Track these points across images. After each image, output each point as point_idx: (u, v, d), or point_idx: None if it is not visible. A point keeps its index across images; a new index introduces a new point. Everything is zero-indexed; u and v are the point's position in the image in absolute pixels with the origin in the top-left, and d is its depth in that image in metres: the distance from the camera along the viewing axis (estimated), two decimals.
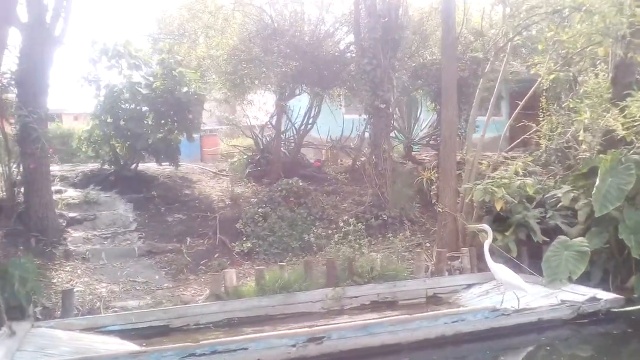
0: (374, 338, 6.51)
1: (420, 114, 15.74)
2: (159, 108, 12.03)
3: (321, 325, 7.20)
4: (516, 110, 11.57)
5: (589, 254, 8.69)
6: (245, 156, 13.99)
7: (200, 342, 6.13)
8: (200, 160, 17.07)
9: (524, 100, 11.28)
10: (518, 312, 7.22)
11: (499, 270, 7.57)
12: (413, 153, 15.62)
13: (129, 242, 10.47)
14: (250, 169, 13.64)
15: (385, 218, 11.38)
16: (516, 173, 9.94)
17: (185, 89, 11.99)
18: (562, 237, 9.09)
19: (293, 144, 13.90)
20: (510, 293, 7.47)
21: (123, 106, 12.01)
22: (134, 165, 12.60)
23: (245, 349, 6.03)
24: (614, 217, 9.11)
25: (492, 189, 9.32)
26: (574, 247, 8.81)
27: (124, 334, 7.39)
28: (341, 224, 9.82)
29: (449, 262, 9.60)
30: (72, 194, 11.68)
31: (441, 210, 9.98)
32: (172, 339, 7.44)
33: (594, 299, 7.69)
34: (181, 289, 8.92)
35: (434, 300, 9.01)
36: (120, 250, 10.09)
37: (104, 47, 12.17)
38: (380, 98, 11.54)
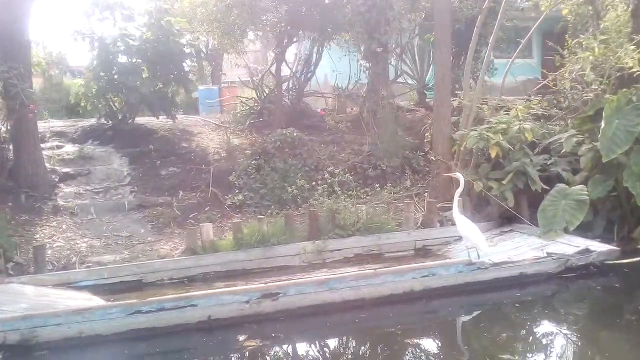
0: (334, 294, 6.24)
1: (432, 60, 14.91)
2: (151, 60, 11.73)
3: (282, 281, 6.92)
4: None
5: (587, 202, 8.10)
6: (247, 107, 13.60)
7: (147, 299, 5.97)
8: (220, 112, 16.84)
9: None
10: (497, 266, 6.79)
11: (461, 223, 7.14)
12: (427, 99, 14.91)
13: (120, 196, 10.39)
14: (252, 120, 13.29)
15: (384, 168, 10.92)
16: (516, 117, 9.24)
17: (175, 40, 11.62)
18: (560, 185, 8.49)
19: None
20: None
21: (116, 59, 11.74)
22: (131, 120, 12.42)
23: (195, 305, 5.85)
24: (621, 163, 8.44)
25: (486, 135, 8.71)
26: (573, 195, 8.23)
27: (96, 289, 7.34)
28: (326, 175, 9.41)
29: (441, 213, 9.15)
30: (69, 149, 11.64)
31: (434, 159, 9.45)
32: (144, 293, 7.32)
33: (584, 251, 7.17)
34: (162, 243, 8.80)
35: (423, 252, 8.64)
36: (110, 205, 10.03)
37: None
38: (377, 41, 10.90)
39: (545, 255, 7.06)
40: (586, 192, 8.16)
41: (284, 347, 5.91)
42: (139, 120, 12.93)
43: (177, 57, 11.85)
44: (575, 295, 6.89)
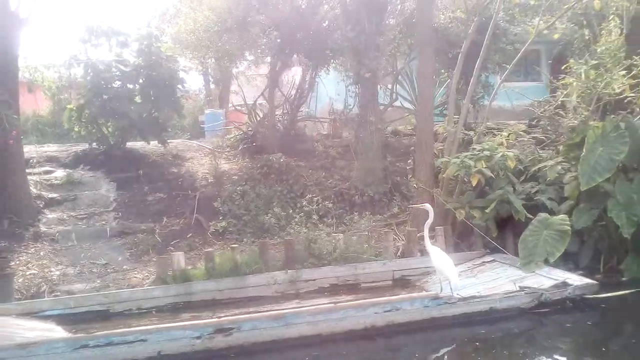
0: (290, 329, 6.03)
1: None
2: (143, 85, 11.81)
3: (231, 316, 6.74)
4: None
5: (569, 233, 7.80)
6: (240, 132, 13.58)
7: (93, 333, 5.84)
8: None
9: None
10: (465, 301, 6.52)
11: (434, 255, 7.02)
12: None
13: (104, 222, 10.36)
14: (244, 145, 13.24)
15: (372, 195, 10.74)
16: (501, 144, 9.00)
17: (168, 65, 11.69)
18: (542, 215, 8.22)
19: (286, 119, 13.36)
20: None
21: (108, 85, 11.84)
22: (123, 145, 12.47)
23: (144, 340, 5.70)
24: (607, 192, 8.15)
25: (466, 163, 8.49)
26: (554, 225, 7.94)
27: (62, 319, 7.22)
28: (304, 203, 9.25)
29: (421, 242, 8.88)
30: (58, 174, 11.71)
31: (416, 186, 9.24)
32: (111, 323, 7.20)
33: (561, 285, 6.86)
34: (136, 272, 8.71)
35: (402, 283, 8.39)
36: (91, 231, 10.00)
37: (90, 26, 12.04)
38: (365, 67, 10.79)
39: (518, 289, 6.77)
40: (568, 222, 7.86)
41: None
42: (132, 145, 13.00)
43: (168, 83, 11.89)
44: (547, 333, 6.54)
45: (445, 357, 6.18)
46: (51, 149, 13.21)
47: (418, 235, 8.94)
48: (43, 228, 9.85)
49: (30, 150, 12.77)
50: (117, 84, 11.93)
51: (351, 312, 6.19)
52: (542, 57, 20.31)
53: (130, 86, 11.96)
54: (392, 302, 6.40)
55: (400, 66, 13.70)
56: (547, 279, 7.22)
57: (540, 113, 10.19)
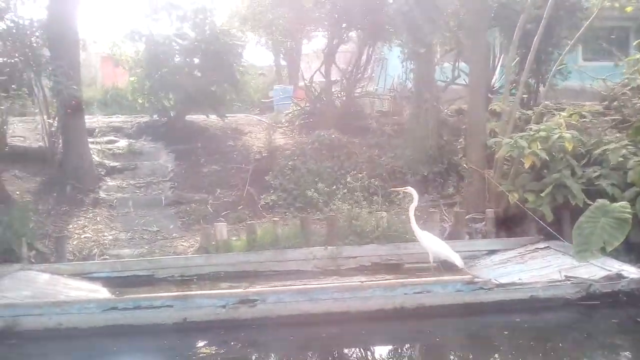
0: (316, 304, 5.96)
1: (499, 60, 14.03)
2: (201, 59, 11.97)
3: (260, 287, 6.73)
4: None
5: (629, 222, 7.22)
6: (298, 107, 13.54)
7: (124, 297, 6.02)
8: None
9: None
10: (502, 287, 6.19)
11: (424, 238, 7.05)
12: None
13: (160, 191, 10.67)
14: (302, 120, 13.21)
15: (425, 174, 10.42)
16: (560, 125, 8.43)
17: (224, 40, 11.77)
18: (601, 201, 7.64)
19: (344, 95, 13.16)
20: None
21: (168, 58, 12.08)
22: (183, 117, 12.75)
23: (170, 306, 5.82)
24: None
25: (519, 143, 8.03)
26: (614, 213, 7.38)
27: (109, 281, 7.54)
28: (348, 179, 9.08)
29: (471, 225, 8.57)
30: (121, 144, 12.16)
31: (467, 166, 8.86)
32: (154, 288, 7.43)
33: (613, 277, 6.37)
34: (184, 240, 8.91)
35: (447, 265, 8.04)
36: (147, 199, 10.33)
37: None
38: (420, 42, 10.40)
39: (563, 278, 6.35)
40: (629, 210, 7.28)
41: (250, 356, 5.73)
42: (193, 118, 13.25)
43: (224, 57, 11.98)
44: (593, 327, 6.08)
45: (477, 344, 5.91)
46: (118, 119, 13.71)
47: (467, 217, 8.64)
48: (102, 194, 10.26)
49: (98, 120, 13.34)
50: (176, 58, 12.13)
51: (379, 292, 6.04)
52: (631, 36, 18.84)
53: (188, 60, 12.12)
54: (423, 284, 6.18)
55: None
56: (601, 269, 6.71)
57: (613, 94, 9.40)
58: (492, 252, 8.17)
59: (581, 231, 7.50)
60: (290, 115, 13.73)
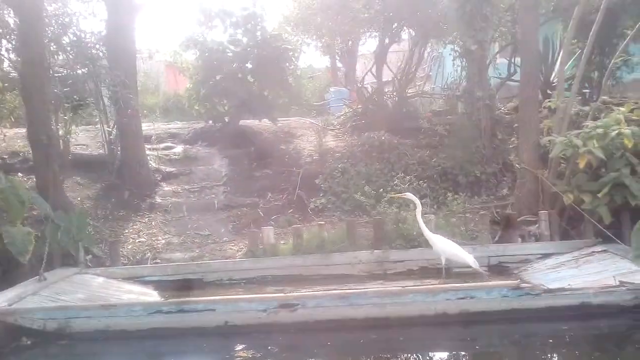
0: (356, 310, 5.91)
1: (558, 54, 13.47)
2: (252, 65, 12.17)
3: (303, 292, 6.76)
4: None
5: None
6: (350, 109, 13.52)
7: (168, 300, 6.18)
8: None
9: None
10: (551, 293, 5.93)
11: (436, 240, 6.93)
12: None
13: (213, 195, 10.92)
14: (353, 122, 13.18)
15: (478, 175, 10.16)
16: (619, 121, 7.99)
17: (275, 45, 11.91)
18: None
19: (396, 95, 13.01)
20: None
21: (220, 65, 12.34)
22: (236, 122, 12.99)
23: (213, 310, 5.93)
24: None
25: (573, 142, 7.68)
26: None
27: (160, 284, 7.80)
28: (395, 182, 8.96)
29: (523, 227, 8.27)
30: (178, 150, 12.54)
31: (519, 167, 8.56)
32: (203, 292, 7.62)
33: None
34: (233, 244, 9.07)
35: (498, 270, 7.86)
36: (201, 204, 10.58)
37: (205, 8, 12.63)
38: (471, 39, 10.15)
39: (617, 283, 6.01)
40: None
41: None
42: (247, 122, 13.47)
43: (276, 62, 12.12)
44: None
45: (521, 352, 5.69)
46: (175, 126, 14.14)
47: (519, 219, 8.36)
48: (158, 199, 10.61)
49: (156, 127, 13.78)
50: (229, 64, 12.36)
51: (420, 297, 5.91)
52: None
53: (241, 66, 12.33)
54: (466, 289, 6.01)
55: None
56: None
57: None
58: (545, 255, 7.85)
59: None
60: (342, 117, 13.69)
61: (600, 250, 7.64)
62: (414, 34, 11.96)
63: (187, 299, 6.37)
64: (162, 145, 12.70)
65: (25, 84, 8.85)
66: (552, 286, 6.30)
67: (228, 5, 12.55)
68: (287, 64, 12.31)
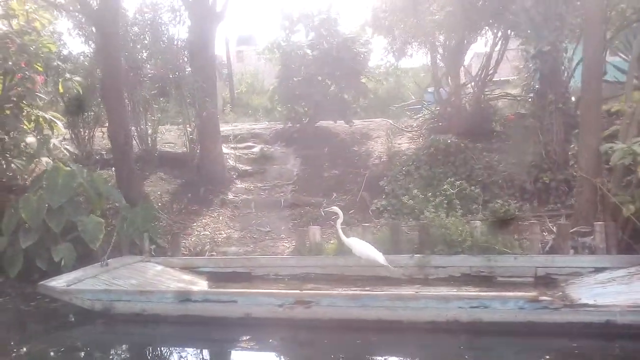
0: (368, 311, 6.01)
1: None
2: (329, 68, 12.49)
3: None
4: None
5: None
6: (428, 111, 13.40)
7: (196, 290, 6.66)
8: None
9: None
10: (572, 308, 5.65)
11: (353, 243, 7.53)
12: None
13: (281, 194, 11.42)
14: (431, 125, 13.06)
15: (547, 181, 9.71)
16: None
17: (349, 48, 12.15)
18: None
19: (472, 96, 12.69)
20: None
21: (298, 68, 12.81)
22: (314, 124, 13.40)
23: (235, 302, 6.32)
24: None
25: (634, 150, 7.17)
26: None
27: (212, 275, 8.38)
28: (445, 186, 8.82)
29: (578, 238, 7.84)
30: (256, 149, 13.19)
31: (576, 175, 8.11)
32: (250, 284, 8.10)
33: None
34: (286, 241, 9.45)
35: (545, 281, 7.54)
36: (268, 202, 11.11)
37: (288, 13, 13.17)
38: (544, 39, 9.70)
39: None
40: None
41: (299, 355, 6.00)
42: (325, 124, 13.84)
43: (352, 65, 12.35)
44: None
45: None
46: (260, 126, 14.86)
47: (572, 230, 7.93)
48: (230, 196, 11.29)
49: (241, 127, 14.58)
50: (307, 67, 12.78)
51: (432, 303, 5.89)
52: None
53: (318, 69, 12.69)
54: (481, 298, 5.88)
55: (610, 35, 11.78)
56: None
57: None
58: (599, 269, 7.38)
59: None
60: (421, 119, 13.61)
61: None
62: (490, 35, 11.58)
63: (213, 289, 6.84)
64: (243, 145, 13.42)
65: (104, 91, 9.84)
66: (591, 302, 6.00)
67: (309, 10, 12.91)
68: (361, 67, 12.46)
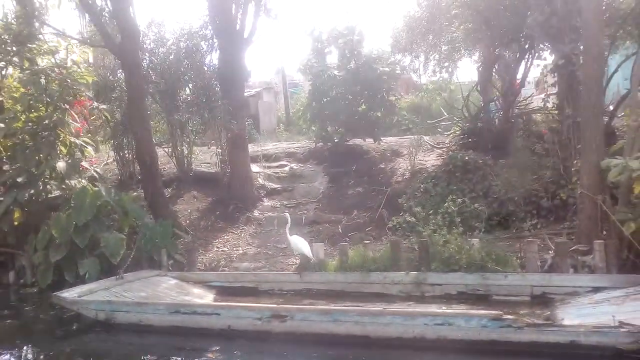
0: (339, 326, 6.20)
1: None
2: (355, 88, 12.78)
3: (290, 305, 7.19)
4: None
5: None
6: (458, 127, 13.35)
7: (184, 303, 7.09)
8: None
9: None
10: (536, 328, 5.60)
11: (291, 240, 8.64)
12: None
13: (305, 211, 11.75)
14: (461, 141, 13.01)
15: (564, 198, 9.50)
16: None
17: (374, 67, 12.39)
18: None
19: (502, 112, 12.51)
20: None
21: (325, 89, 13.17)
22: (344, 142, 13.68)
23: (218, 314, 6.70)
24: None
25: (629, 166, 6.97)
26: None
27: (222, 289, 8.83)
28: (446, 204, 8.81)
29: (578, 257, 7.65)
30: (287, 168, 13.60)
31: (578, 191, 7.92)
32: (256, 299, 8.46)
33: None
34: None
35: (542, 300, 7.42)
36: (292, 219, 11.38)
37: (317, 36, 13.61)
38: (559, 52, 9.57)
39: (617, 324, 5.43)
40: None
41: None
42: (356, 142, 14.06)
43: (375, 83, 12.57)
44: None
45: None
46: (294, 145, 15.29)
47: (571, 249, 7.75)
48: (256, 213, 11.76)
49: (277, 146, 15.08)
50: (336, 87, 13.11)
51: (399, 319, 6.00)
52: None
53: (346, 89, 12.99)
54: (445, 315, 5.93)
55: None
56: None
57: None
58: (597, 289, 7.17)
59: None
60: (451, 135, 13.57)
61: None
62: (514, 49, 11.45)
63: (199, 302, 7.25)
64: (277, 164, 13.89)
65: (130, 117, 10.61)
66: (575, 322, 5.94)
67: (336, 31, 13.27)
68: (387, 85, 12.64)
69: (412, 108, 19.99)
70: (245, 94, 21.93)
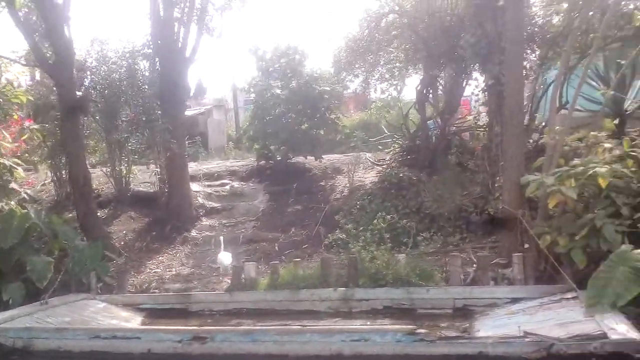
0: (258, 346, 6.21)
1: (630, 81, 12.24)
2: (296, 106, 12.90)
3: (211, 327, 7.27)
4: None
5: None
6: (398, 145, 13.59)
7: (104, 327, 6.98)
8: None
9: None
10: (447, 341, 5.72)
11: (219, 255, 9.46)
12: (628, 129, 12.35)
13: (243, 230, 11.71)
14: (399, 158, 13.23)
15: (492, 213, 9.74)
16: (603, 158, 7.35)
17: (313, 86, 12.54)
18: (624, 247, 6.49)
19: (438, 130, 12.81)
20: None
21: (268, 108, 13.25)
22: (286, 160, 13.74)
23: (139, 338, 6.62)
24: None
25: (544, 182, 7.23)
26: (631, 261, 6.24)
27: (151, 312, 8.71)
28: (375, 221, 8.96)
29: (498, 270, 7.87)
30: (227, 187, 13.56)
31: (500, 207, 8.17)
32: (185, 320, 8.39)
33: (586, 337, 5.43)
34: (230, 277, 9.66)
35: (463, 312, 7.60)
36: (229, 238, 11.26)
37: (261, 55, 13.71)
38: (488, 73, 9.89)
39: (522, 334, 5.61)
40: None
41: None
42: (298, 160, 14.14)
43: (316, 102, 12.72)
44: None
45: None
46: (238, 163, 15.27)
47: (492, 262, 7.98)
48: (194, 233, 11.66)
49: (220, 165, 15.03)
50: (278, 106, 13.20)
51: (317, 337, 6.04)
52: None
53: (287, 108, 13.10)
54: (361, 331, 6.01)
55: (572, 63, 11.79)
56: (596, 325, 5.76)
57: None
58: (514, 300, 7.40)
59: (596, 282, 6.43)
60: (391, 152, 13.79)
61: (570, 297, 7.05)
62: (448, 69, 11.80)
63: (119, 327, 7.14)
64: (218, 182, 13.84)
65: (63, 137, 10.45)
66: (491, 333, 6.09)
67: (279, 51, 13.41)
68: (327, 104, 12.81)
69: (362, 125, 20.23)
70: (195, 111, 22.13)
